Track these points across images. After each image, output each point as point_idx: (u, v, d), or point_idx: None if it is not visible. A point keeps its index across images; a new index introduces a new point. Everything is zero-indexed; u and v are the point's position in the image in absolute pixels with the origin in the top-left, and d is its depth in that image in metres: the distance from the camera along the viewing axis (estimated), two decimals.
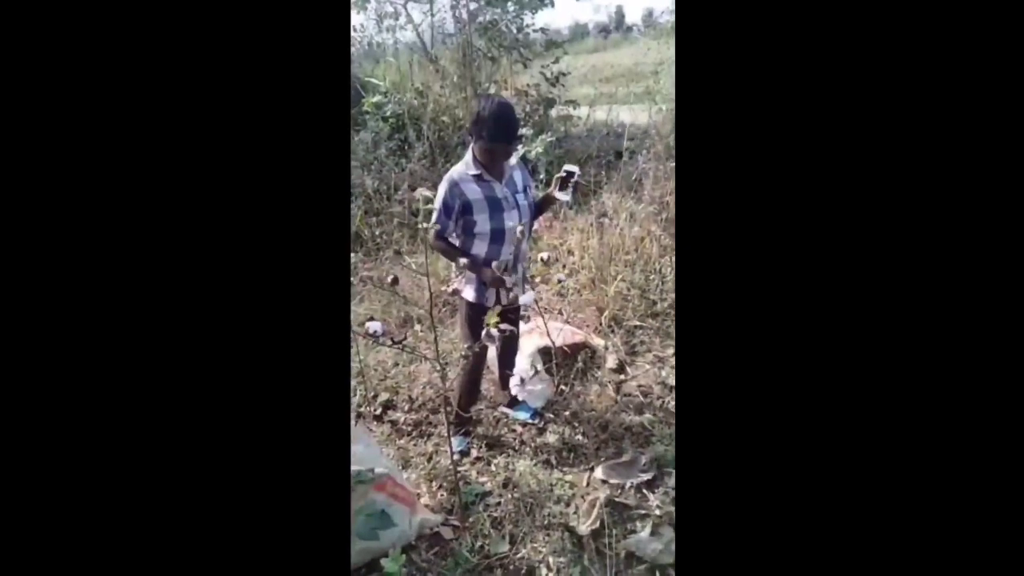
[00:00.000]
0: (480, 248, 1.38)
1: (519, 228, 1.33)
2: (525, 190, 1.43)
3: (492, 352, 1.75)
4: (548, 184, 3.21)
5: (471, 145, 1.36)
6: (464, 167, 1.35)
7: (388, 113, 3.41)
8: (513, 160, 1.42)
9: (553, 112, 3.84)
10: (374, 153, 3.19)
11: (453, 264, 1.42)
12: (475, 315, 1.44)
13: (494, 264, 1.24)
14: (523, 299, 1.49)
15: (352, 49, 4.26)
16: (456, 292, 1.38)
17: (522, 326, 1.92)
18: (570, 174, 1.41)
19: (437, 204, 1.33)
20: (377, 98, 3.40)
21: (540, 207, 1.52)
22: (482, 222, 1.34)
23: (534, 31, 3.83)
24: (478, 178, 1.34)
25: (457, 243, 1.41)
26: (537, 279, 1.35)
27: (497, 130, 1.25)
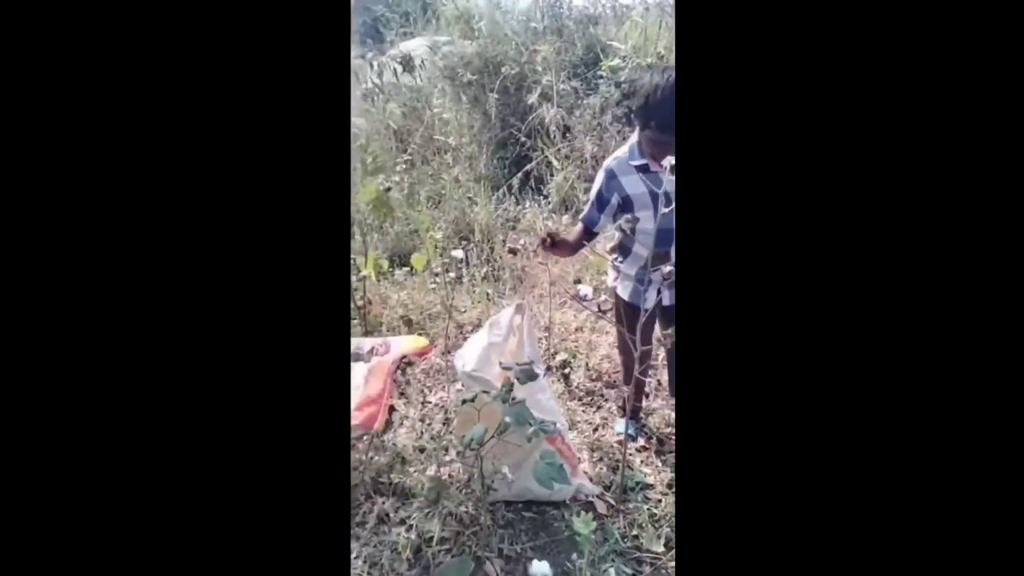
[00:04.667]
0: (642, 250, 1.21)
1: None
2: None
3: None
4: None
5: (635, 133, 1.16)
6: (626, 155, 1.17)
7: (623, 78, 3.31)
8: None
9: None
10: (599, 119, 3.17)
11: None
12: (629, 315, 1.30)
13: (665, 269, 1.08)
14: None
15: (597, 10, 4.21)
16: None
17: None
18: None
19: (590, 196, 1.21)
20: (615, 62, 3.33)
21: None
22: (645, 219, 1.15)
23: None
24: (642, 169, 1.15)
25: (614, 242, 1.26)
26: None
27: (671, 119, 0.93)
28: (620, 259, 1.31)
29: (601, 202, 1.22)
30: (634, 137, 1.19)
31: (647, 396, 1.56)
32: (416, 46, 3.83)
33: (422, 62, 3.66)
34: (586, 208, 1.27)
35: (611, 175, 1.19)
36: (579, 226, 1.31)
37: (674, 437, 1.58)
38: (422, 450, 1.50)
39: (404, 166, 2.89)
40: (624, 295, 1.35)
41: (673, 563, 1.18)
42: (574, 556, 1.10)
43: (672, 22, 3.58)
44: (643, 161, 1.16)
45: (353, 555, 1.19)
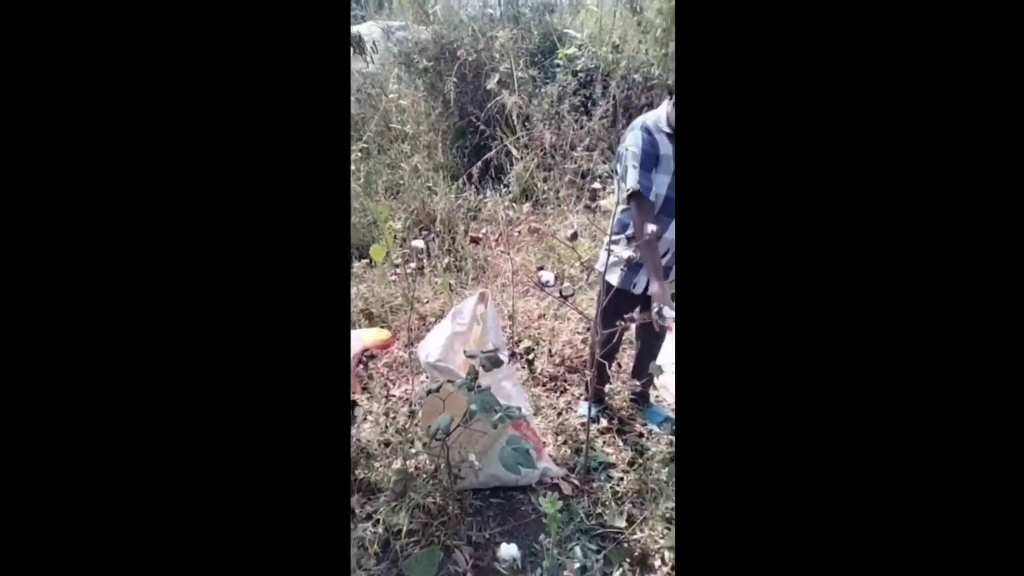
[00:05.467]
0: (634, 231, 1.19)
1: None
2: None
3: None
4: None
5: (668, 101, 1.20)
6: (656, 119, 1.19)
7: (579, 67, 3.33)
8: None
9: None
10: (556, 107, 3.18)
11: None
12: (616, 302, 1.30)
13: (650, 228, 1.04)
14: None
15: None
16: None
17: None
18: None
19: (629, 159, 1.16)
20: (572, 50, 3.34)
21: None
22: (659, 185, 1.18)
23: None
24: (671, 137, 1.18)
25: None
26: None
27: None
28: (616, 238, 1.25)
29: (649, 159, 1.17)
30: (666, 106, 1.21)
31: (609, 379, 1.61)
32: (368, 30, 3.69)
33: (374, 44, 3.53)
34: (631, 176, 1.16)
35: (648, 131, 1.19)
36: (635, 204, 1.18)
37: (637, 419, 1.64)
38: (387, 444, 1.48)
39: (360, 155, 2.79)
40: (613, 281, 1.32)
41: (634, 536, 1.23)
42: (541, 537, 1.13)
43: (627, 12, 3.63)
44: (671, 131, 1.18)
45: None
